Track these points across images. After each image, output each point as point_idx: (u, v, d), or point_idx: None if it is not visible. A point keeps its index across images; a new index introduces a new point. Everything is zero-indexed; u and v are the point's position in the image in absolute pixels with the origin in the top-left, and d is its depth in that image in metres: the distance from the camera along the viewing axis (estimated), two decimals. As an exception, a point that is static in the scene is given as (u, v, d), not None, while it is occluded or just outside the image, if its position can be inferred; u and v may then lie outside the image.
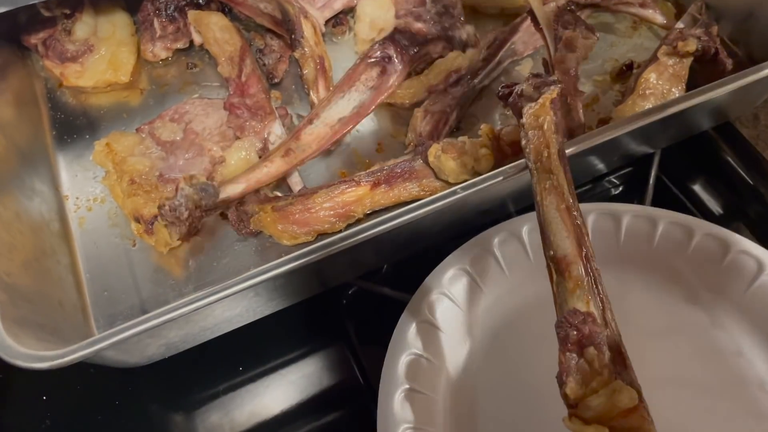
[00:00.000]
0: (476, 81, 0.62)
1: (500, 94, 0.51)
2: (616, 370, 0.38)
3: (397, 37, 0.57)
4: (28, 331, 0.42)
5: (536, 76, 0.49)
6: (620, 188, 0.63)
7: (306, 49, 0.58)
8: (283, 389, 0.55)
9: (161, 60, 0.66)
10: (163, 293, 0.53)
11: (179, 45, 0.65)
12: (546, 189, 0.42)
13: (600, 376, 0.37)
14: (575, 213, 0.42)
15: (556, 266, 0.40)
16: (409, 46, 0.57)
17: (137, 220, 0.53)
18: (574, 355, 0.38)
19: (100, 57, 0.64)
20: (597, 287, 0.40)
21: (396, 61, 0.56)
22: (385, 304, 0.53)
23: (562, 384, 0.38)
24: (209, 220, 0.56)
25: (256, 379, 0.55)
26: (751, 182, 0.61)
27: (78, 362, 0.42)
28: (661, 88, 0.57)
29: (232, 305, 0.47)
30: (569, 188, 0.43)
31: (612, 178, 0.63)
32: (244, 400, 0.54)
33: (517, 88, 0.48)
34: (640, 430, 0.35)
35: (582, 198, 0.63)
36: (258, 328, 0.53)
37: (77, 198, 0.58)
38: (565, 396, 0.37)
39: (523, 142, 0.45)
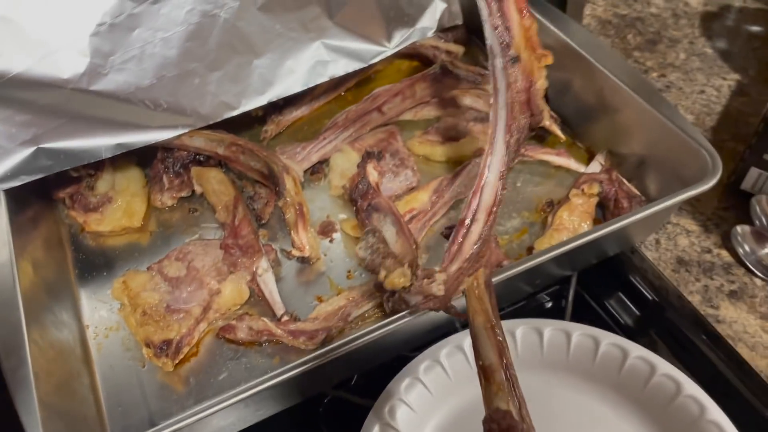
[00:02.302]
0: (427, 217, 0.76)
1: (444, 233, 0.65)
2: (530, 457, 0.48)
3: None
4: (60, 443, 0.52)
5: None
6: (551, 303, 0.76)
7: (288, 199, 0.72)
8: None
9: (167, 207, 0.79)
10: (169, 407, 0.63)
11: (183, 194, 0.79)
12: (475, 311, 0.55)
13: (517, 461, 0.48)
14: (498, 330, 0.54)
15: (483, 373, 0.52)
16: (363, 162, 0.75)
17: (148, 345, 0.64)
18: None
19: (117, 206, 0.77)
20: (514, 390, 0.51)
21: (371, 176, 0.73)
22: (355, 411, 0.63)
23: (487, 469, 0.48)
24: (207, 343, 0.68)
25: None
26: (655, 299, 0.74)
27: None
28: (573, 223, 0.71)
29: (226, 415, 0.57)
30: (494, 311, 0.55)
31: (544, 294, 0.76)
32: (236, 501, 0.63)
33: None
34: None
35: (518, 311, 0.75)
36: None
37: (96, 327, 0.69)
38: (488, 480, 0.48)
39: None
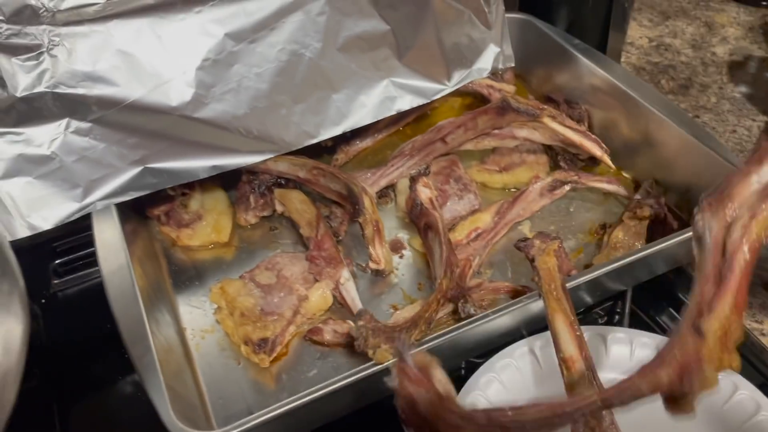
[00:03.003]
0: (491, 236, 0.83)
1: (518, 245, 0.72)
2: (610, 434, 0.54)
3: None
4: (184, 421, 0.58)
5: (542, 234, 0.71)
6: (605, 318, 0.82)
7: (367, 216, 0.79)
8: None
9: (250, 225, 0.87)
10: (264, 400, 0.68)
11: (265, 213, 0.87)
12: (555, 310, 0.61)
13: (600, 440, 0.54)
14: (576, 326, 0.60)
15: (565, 364, 0.58)
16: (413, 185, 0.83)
17: (246, 343, 0.70)
18: (581, 425, 0.55)
19: (206, 223, 0.84)
20: (594, 378, 0.57)
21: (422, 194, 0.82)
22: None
23: (574, 447, 0.54)
24: (295, 345, 0.74)
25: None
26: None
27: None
28: (627, 242, 0.78)
29: (325, 404, 0.63)
30: (571, 310, 0.62)
31: (598, 310, 0.82)
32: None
33: (529, 242, 0.69)
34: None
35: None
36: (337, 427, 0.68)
37: (192, 329, 0.75)
38: (576, 456, 0.53)
39: (536, 278, 0.64)
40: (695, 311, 0.47)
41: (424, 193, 0.82)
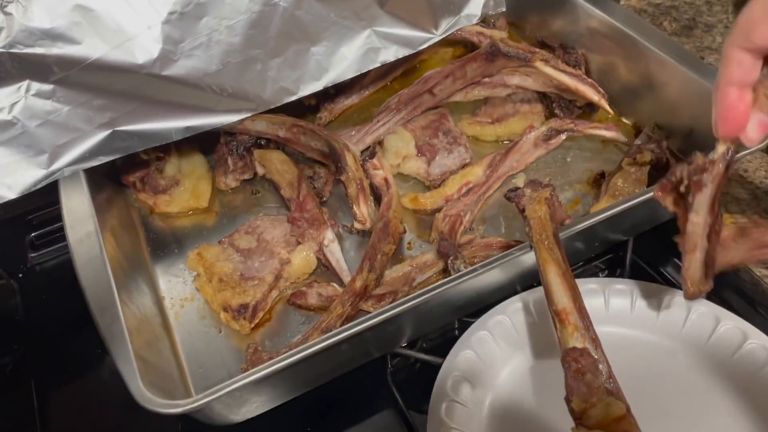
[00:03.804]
0: (483, 190, 0.79)
1: (508, 195, 0.68)
2: (608, 390, 0.50)
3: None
4: (155, 392, 0.55)
5: (533, 182, 0.66)
6: (606, 271, 0.77)
7: (349, 173, 0.75)
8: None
9: (231, 189, 0.83)
10: (246, 368, 0.65)
11: (246, 176, 0.83)
12: (547, 260, 0.57)
13: (597, 394, 0.50)
14: (569, 277, 0.56)
15: (558, 317, 0.54)
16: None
17: (225, 310, 0.67)
18: (577, 379, 0.51)
19: (184, 188, 0.80)
20: (589, 330, 0.53)
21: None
22: (421, 368, 0.66)
23: (569, 402, 0.50)
24: (279, 311, 0.70)
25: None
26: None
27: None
28: (627, 189, 0.73)
29: (308, 368, 0.59)
30: (564, 260, 0.58)
31: (598, 263, 0.78)
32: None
33: (520, 191, 0.64)
34: (629, 433, 0.47)
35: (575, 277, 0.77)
36: (321, 394, 0.64)
37: (171, 298, 0.72)
38: (572, 410, 0.50)
39: (527, 229, 0.60)
40: None
41: (378, 175, 0.79)
